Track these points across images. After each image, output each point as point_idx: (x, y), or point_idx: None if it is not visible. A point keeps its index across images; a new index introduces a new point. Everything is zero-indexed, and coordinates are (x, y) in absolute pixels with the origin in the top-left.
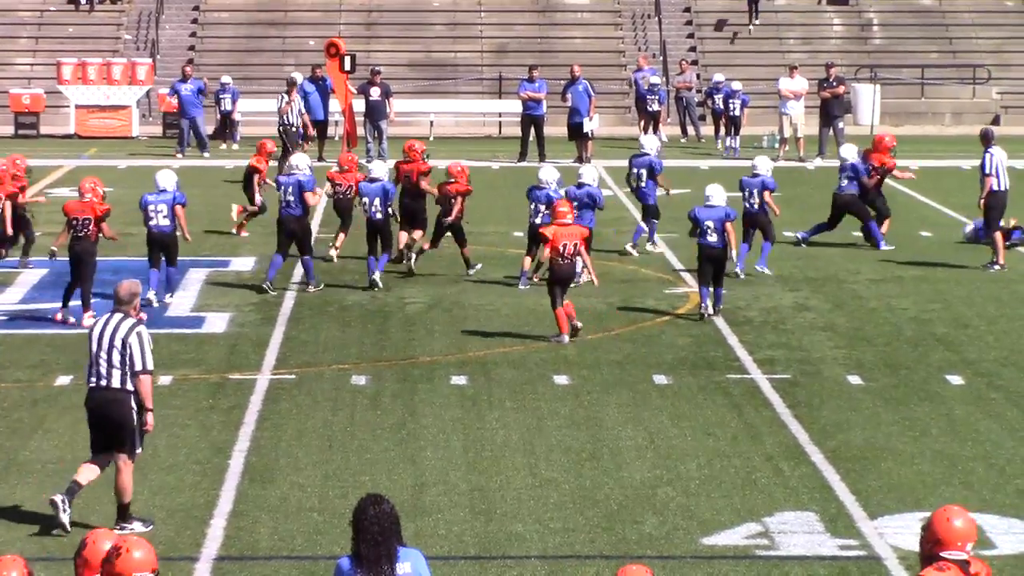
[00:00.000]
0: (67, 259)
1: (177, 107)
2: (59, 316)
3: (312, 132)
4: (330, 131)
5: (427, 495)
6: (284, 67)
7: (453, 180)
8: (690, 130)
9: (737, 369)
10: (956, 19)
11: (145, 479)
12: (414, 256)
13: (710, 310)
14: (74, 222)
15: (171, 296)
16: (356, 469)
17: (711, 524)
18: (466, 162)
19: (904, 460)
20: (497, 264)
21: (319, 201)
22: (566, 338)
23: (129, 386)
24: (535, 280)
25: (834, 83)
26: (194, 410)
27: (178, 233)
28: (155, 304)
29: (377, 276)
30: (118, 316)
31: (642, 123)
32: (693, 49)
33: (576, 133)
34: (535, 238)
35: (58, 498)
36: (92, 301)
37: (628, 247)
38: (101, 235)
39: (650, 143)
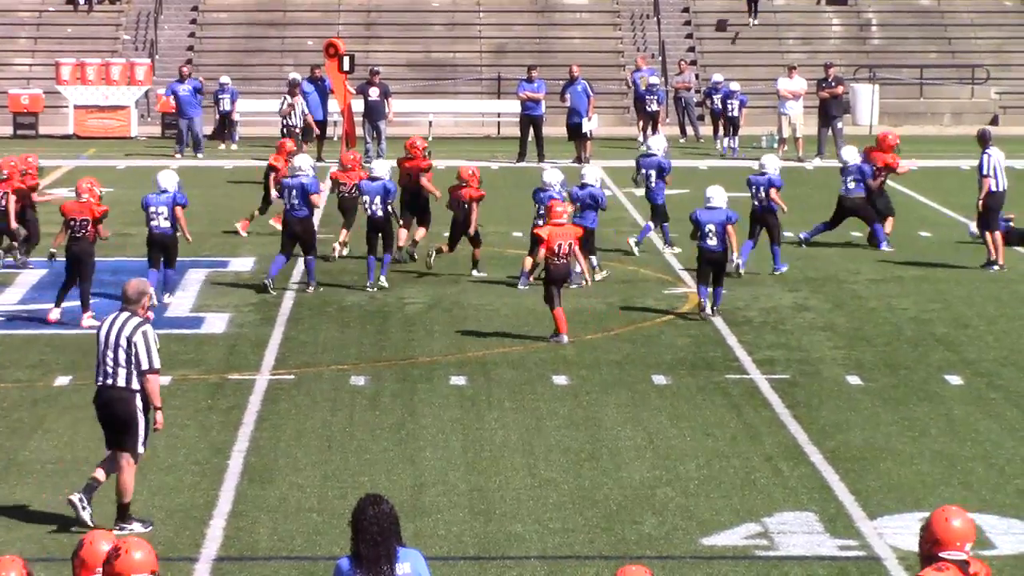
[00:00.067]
0: (64, 260)
1: (175, 107)
2: (51, 316)
3: (317, 131)
4: (329, 131)
5: (426, 495)
6: (283, 67)
7: (464, 184)
8: (689, 130)
9: (736, 369)
10: (955, 19)
11: (144, 479)
12: (432, 254)
13: (709, 310)
14: (72, 223)
15: (170, 296)
16: (355, 469)
17: (710, 524)
18: (466, 162)
19: (903, 460)
20: (497, 264)
21: (323, 202)
22: (565, 338)
23: (135, 385)
24: (531, 280)
25: (833, 83)
26: (193, 410)
27: (178, 234)
28: (155, 304)
29: (383, 280)
30: (125, 315)
31: (641, 123)
32: (692, 49)
33: (575, 133)
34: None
35: (75, 497)
36: (91, 302)
37: (631, 243)
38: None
39: (658, 143)
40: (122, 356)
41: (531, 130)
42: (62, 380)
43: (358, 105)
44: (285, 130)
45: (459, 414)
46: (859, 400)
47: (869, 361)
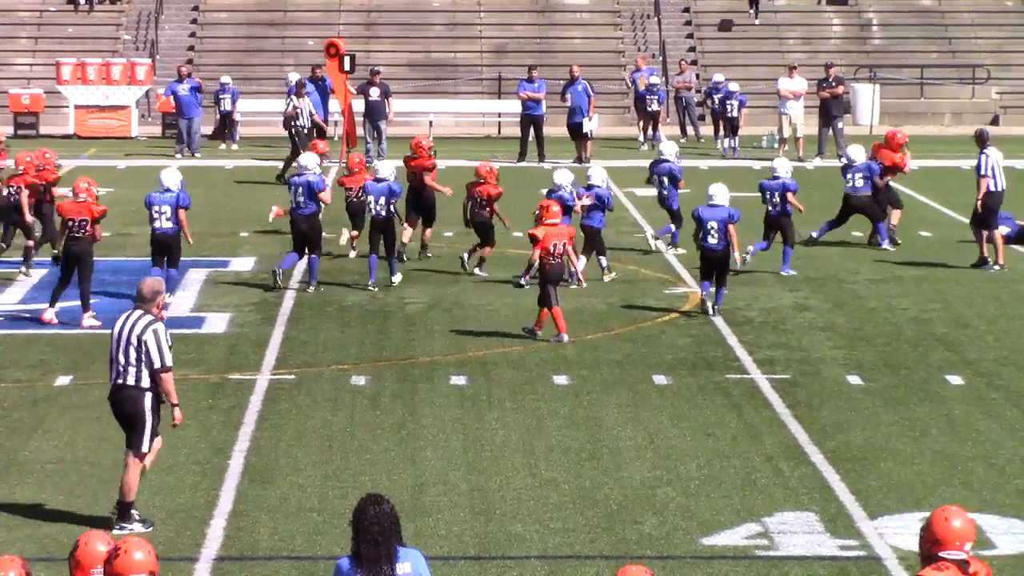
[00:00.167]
0: (61, 259)
1: (175, 108)
2: (46, 317)
3: (326, 128)
4: (329, 131)
5: (427, 495)
6: (283, 67)
7: (483, 181)
8: (689, 130)
9: (737, 369)
10: (956, 19)
11: (145, 479)
12: (468, 258)
13: (710, 310)
14: (70, 223)
15: (171, 296)
16: (356, 469)
17: (711, 524)
18: (466, 162)
19: (904, 460)
20: (497, 264)
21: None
22: (565, 337)
23: (144, 383)
24: (528, 279)
25: (833, 83)
26: (194, 410)
27: (180, 234)
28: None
29: (395, 278)
30: (138, 313)
31: (641, 123)
32: (692, 49)
33: (576, 133)
34: None
35: (116, 527)
36: (92, 302)
37: (652, 240)
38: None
39: (669, 148)
40: (132, 355)
41: (532, 130)
42: (62, 380)
43: (359, 105)
44: (293, 131)
45: (459, 414)
46: (859, 400)
47: (869, 361)
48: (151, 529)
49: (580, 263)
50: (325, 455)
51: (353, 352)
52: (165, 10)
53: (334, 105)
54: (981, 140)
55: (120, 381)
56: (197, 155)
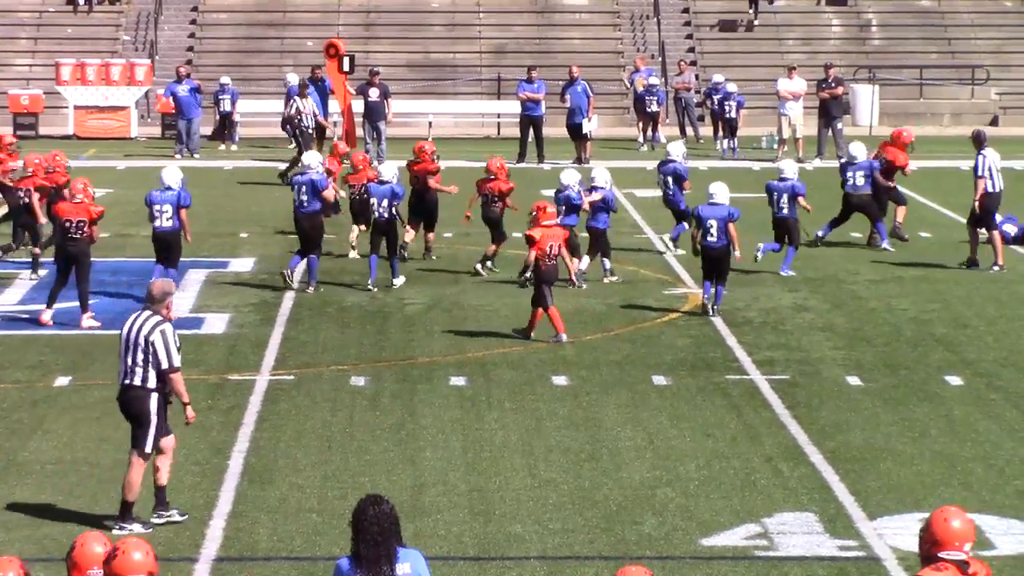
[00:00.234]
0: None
1: (174, 108)
2: (44, 319)
3: (331, 127)
4: (329, 132)
5: (426, 496)
6: (283, 68)
7: (493, 177)
8: (689, 131)
9: (736, 370)
10: (955, 20)
11: (145, 479)
12: (487, 263)
13: (711, 311)
14: (67, 224)
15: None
16: (355, 470)
17: (710, 525)
18: (466, 163)
19: (903, 461)
20: (497, 264)
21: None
22: (564, 336)
23: (150, 384)
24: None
25: (833, 84)
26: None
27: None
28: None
29: (397, 280)
30: (146, 314)
31: (640, 124)
32: (692, 50)
33: (575, 134)
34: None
35: (160, 520)
36: (91, 302)
37: (670, 244)
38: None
39: (676, 149)
40: (139, 356)
41: (531, 131)
42: (62, 381)
43: (358, 106)
44: (297, 132)
45: (459, 414)
46: (859, 400)
47: (869, 361)
48: (150, 530)
49: (584, 263)
50: (324, 456)
51: (352, 353)
52: (164, 11)
53: (334, 106)
54: (978, 141)
55: (127, 381)
56: (196, 156)
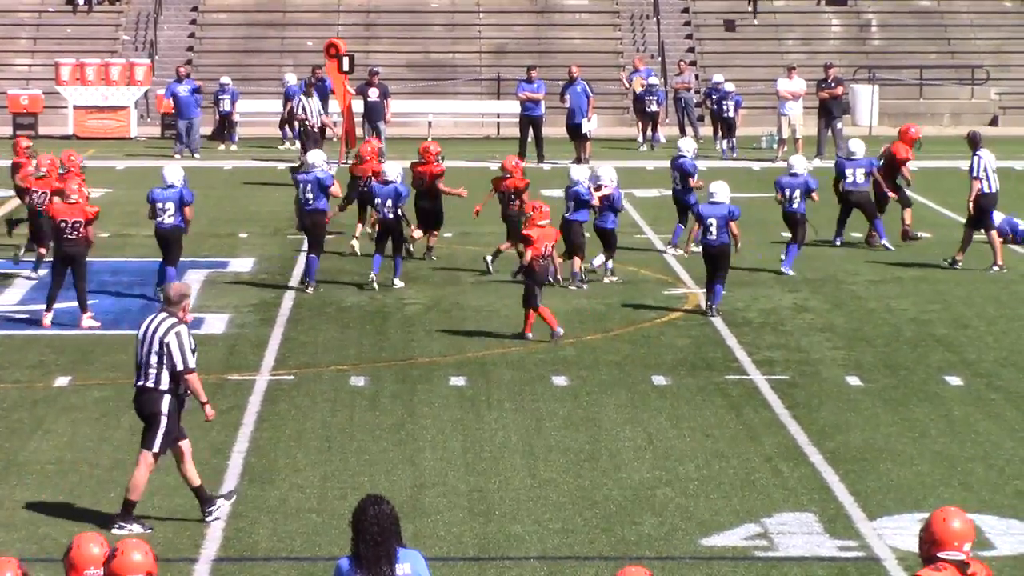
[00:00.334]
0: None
1: (174, 108)
2: (46, 322)
3: (332, 127)
4: (329, 131)
5: (426, 496)
6: (283, 68)
7: (508, 175)
8: (688, 131)
9: (736, 370)
10: (955, 20)
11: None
12: (492, 259)
13: (710, 311)
14: (63, 224)
15: None
16: (355, 470)
17: (710, 525)
18: (465, 163)
19: (903, 461)
20: (497, 264)
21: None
22: (560, 330)
23: (163, 385)
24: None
25: (832, 84)
26: (193, 411)
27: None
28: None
29: (398, 282)
30: (161, 316)
31: (640, 124)
32: (692, 50)
33: (575, 134)
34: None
35: (209, 519)
36: (91, 302)
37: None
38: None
39: (687, 145)
40: (153, 357)
41: (531, 130)
42: (62, 381)
43: (358, 106)
44: (302, 130)
45: (459, 415)
46: (859, 401)
47: (869, 362)
48: (150, 531)
49: (597, 260)
50: (324, 456)
51: (352, 353)
52: (164, 11)
53: (334, 106)
54: (974, 142)
55: (142, 383)
56: (196, 156)
